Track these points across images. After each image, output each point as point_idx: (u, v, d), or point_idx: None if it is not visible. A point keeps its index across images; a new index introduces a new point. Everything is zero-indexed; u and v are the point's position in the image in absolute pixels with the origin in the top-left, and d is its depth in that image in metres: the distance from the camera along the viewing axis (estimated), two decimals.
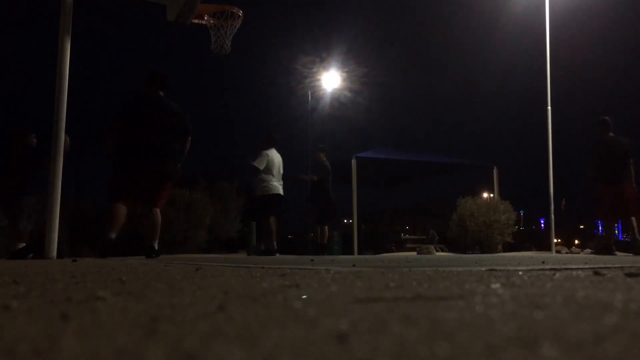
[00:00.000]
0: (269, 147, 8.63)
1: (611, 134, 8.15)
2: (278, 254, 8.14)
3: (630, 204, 8.10)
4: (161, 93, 6.08)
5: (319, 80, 19.62)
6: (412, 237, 19.64)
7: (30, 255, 6.14)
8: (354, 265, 2.65)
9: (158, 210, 6.03)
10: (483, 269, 2.05)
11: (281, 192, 8.67)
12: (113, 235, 5.73)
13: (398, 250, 16.84)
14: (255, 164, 8.42)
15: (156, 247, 5.95)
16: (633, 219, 8.02)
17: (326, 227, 10.32)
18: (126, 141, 5.99)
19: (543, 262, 2.83)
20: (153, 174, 5.92)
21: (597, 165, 8.03)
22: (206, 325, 0.66)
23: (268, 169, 8.45)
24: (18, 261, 4.92)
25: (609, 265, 2.31)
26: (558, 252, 11.90)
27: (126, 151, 6.00)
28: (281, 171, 8.72)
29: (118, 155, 6.05)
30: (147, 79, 6.14)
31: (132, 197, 5.99)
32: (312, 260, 4.17)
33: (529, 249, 15.08)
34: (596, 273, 1.66)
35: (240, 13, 7.52)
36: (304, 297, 1.03)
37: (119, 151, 6.04)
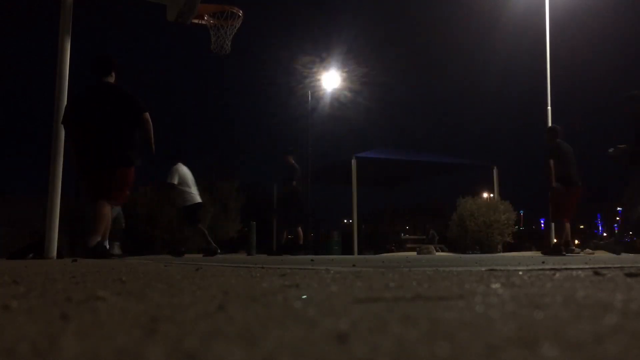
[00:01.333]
0: (176, 162, 9.25)
1: (559, 140, 8.41)
2: (219, 251, 8.96)
3: (576, 206, 8.48)
4: (107, 79, 5.66)
5: (319, 80, 19.64)
6: (412, 237, 19.66)
7: (30, 255, 6.15)
8: (354, 265, 2.65)
9: (103, 202, 5.43)
10: (483, 269, 2.05)
11: (200, 200, 9.45)
12: (102, 240, 5.42)
13: (398, 250, 16.84)
14: (169, 180, 9.07)
15: (91, 243, 5.25)
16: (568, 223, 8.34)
17: (299, 228, 10.52)
18: (74, 137, 5.67)
19: (543, 262, 2.83)
20: (99, 165, 5.50)
21: (562, 167, 8.22)
22: (206, 325, 0.66)
23: (184, 182, 9.17)
24: (18, 261, 4.92)
25: (609, 265, 2.31)
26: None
27: (75, 147, 5.68)
28: (194, 181, 9.41)
29: (73, 154, 5.74)
30: (90, 68, 5.72)
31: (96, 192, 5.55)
32: (312, 260, 4.18)
33: (529, 249, 15.09)
34: (596, 273, 1.66)
35: (240, 13, 7.53)
36: (304, 297, 1.03)
37: (73, 149, 5.73)
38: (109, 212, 5.54)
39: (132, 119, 5.56)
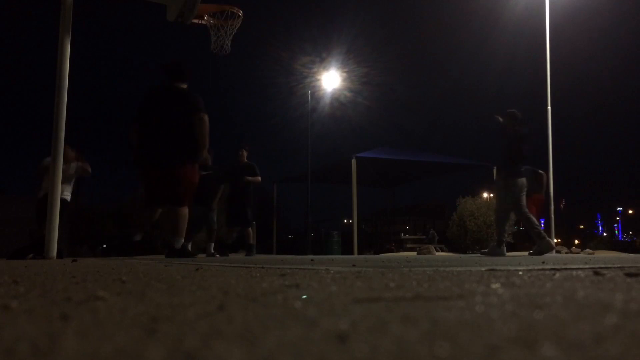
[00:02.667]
0: None
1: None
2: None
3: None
4: (177, 84, 5.81)
5: (319, 80, 19.62)
6: (412, 237, 19.62)
7: (30, 255, 6.15)
8: (354, 265, 2.65)
9: (179, 208, 5.72)
10: (483, 269, 2.05)
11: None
12: (138, 236, 5.92)
13: (398, 250, 16.83)
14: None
15: (177, 245, 5.69)
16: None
17: (249, 228, 10.06)
18: (138, 139, 5.84)
19: (543, 262, 2.83)
20: (160, 170, 5.69)
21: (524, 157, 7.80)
22: (206, 325, 0.66)
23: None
24: (18, 261, 4.92)
25: (609, 265, 2.31)
26: (558, 252, 11.91)
27: (138, 149, 5.85)
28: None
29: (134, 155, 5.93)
30: (162, 72, 5.93)
31: (155, 198, 5.86)
32: (312, 260, 4.18)
33: (529, 249, 15.06)
34: (596, 273, 1.66)
35: (240, 13, 7.52)
36: (304, 297, 1.03)
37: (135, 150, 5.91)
38: (187, 213, 5.79)
39: (191, 120, 5.66)
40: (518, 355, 0.48)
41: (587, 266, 2.23)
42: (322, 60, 20.39)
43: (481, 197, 16.66)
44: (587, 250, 12.51)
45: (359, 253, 14.94)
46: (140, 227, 6.05)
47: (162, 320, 0.70)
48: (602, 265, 2.26)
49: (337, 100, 21.79)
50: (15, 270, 2.47)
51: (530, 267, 2.15)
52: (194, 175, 5.84)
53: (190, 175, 5.77)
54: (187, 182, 5.75)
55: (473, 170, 19.75)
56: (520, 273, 1.74)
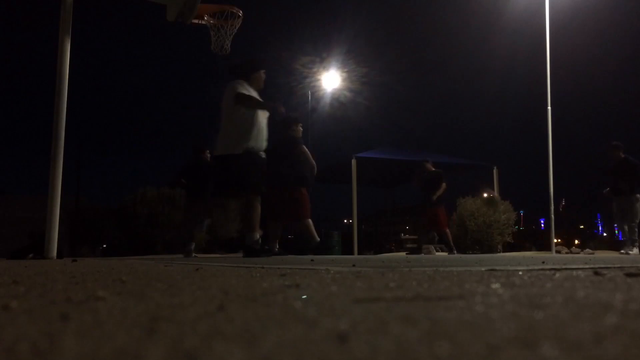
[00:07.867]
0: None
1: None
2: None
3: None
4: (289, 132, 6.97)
5: (319, 80, 19.64)
6: (412, 237, 19.61)
7: (30, 255, 6.16)
8: (354, 265, 2.65)
9: (307, 221, 6.91)
10: (483, 269, 2.05)
11: None
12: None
13: (398, 250, 16.82)
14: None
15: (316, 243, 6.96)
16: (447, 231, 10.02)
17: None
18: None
19: (543, 262, 2.83)
20: (282, 191, 6.80)
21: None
22: (206, 325, 0.66)
23: None
24: (18, 261, 4.92)
25: (609, 265, 2.31)
26: (558, 252, 11.91)
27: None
28: None
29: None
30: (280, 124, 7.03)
31: (279, 214, 6.98)
32: (312, 260, 4.18)
33: (529, 249, 15.08)
34: (596, 273, 1.65)
35: (240, 13, 7.52)
36: (304, 297, 1.03)
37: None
38: (311, 224, 7.05)
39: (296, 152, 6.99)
40: (518, 355, 0.48)
41: (587, 266, 2.23)
42: (322, 60, 20.42)
43: (481, 197, 16.66)
44: (587, 250, 12.51)
45: (359, 253, 14.93)
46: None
47: (162, 320, 0.70)
48: (602, 265, 2.26)
49: (337, 100, 21.81)
50: (15, 270, 2.47)
51: (530, 267, 2.15)
52: (306, 195, 7.10)
53: (305, 195, 7.05)
54: (302, 201, 6.99)
55: (473, 170, 19.74)
56: (520, 273, 1.74)
